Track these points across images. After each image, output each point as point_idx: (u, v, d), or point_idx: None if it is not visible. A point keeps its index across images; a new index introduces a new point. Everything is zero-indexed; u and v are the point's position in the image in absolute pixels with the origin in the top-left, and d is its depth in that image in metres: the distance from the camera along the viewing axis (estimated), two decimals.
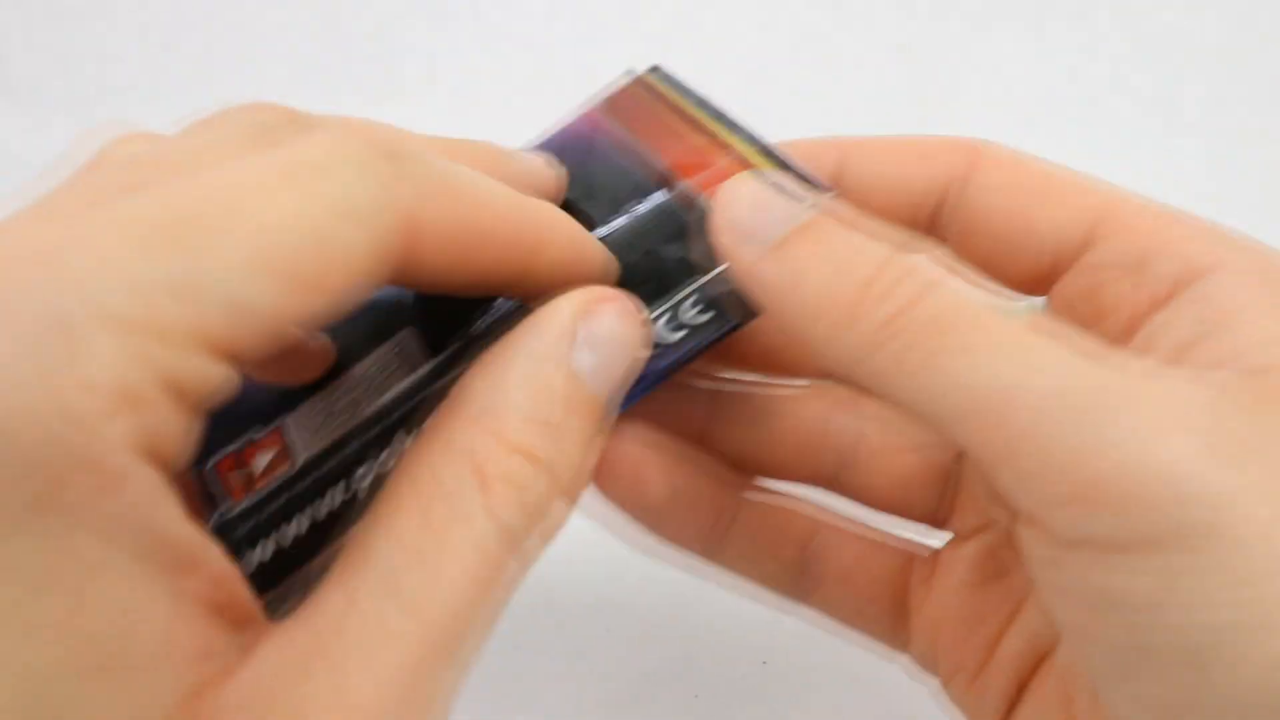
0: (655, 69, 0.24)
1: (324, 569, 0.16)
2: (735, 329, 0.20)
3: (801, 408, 0.24)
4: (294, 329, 0.15)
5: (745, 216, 0.18)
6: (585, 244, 0.19)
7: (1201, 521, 0.14)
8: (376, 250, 0.15)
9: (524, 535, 0.16)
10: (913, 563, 0.24)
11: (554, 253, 0.18)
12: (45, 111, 0.47)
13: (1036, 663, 0.21)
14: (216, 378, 0.14)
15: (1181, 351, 0.18)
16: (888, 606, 0.24)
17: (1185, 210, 0.20)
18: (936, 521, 0.24)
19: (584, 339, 0.17)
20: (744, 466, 0.24)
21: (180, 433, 0.14)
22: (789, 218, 0.18)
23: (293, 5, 0.49)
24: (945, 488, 0.24)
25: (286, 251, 0.14)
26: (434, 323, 0.23)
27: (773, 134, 0.22)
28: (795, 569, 0.24)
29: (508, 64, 0.48)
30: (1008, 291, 0.21)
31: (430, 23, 0.49)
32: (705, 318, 0.20)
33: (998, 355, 0.16)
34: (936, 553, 0.24)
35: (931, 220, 0.22)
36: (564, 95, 0.25)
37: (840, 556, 0.24)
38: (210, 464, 0.23)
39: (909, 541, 0.24)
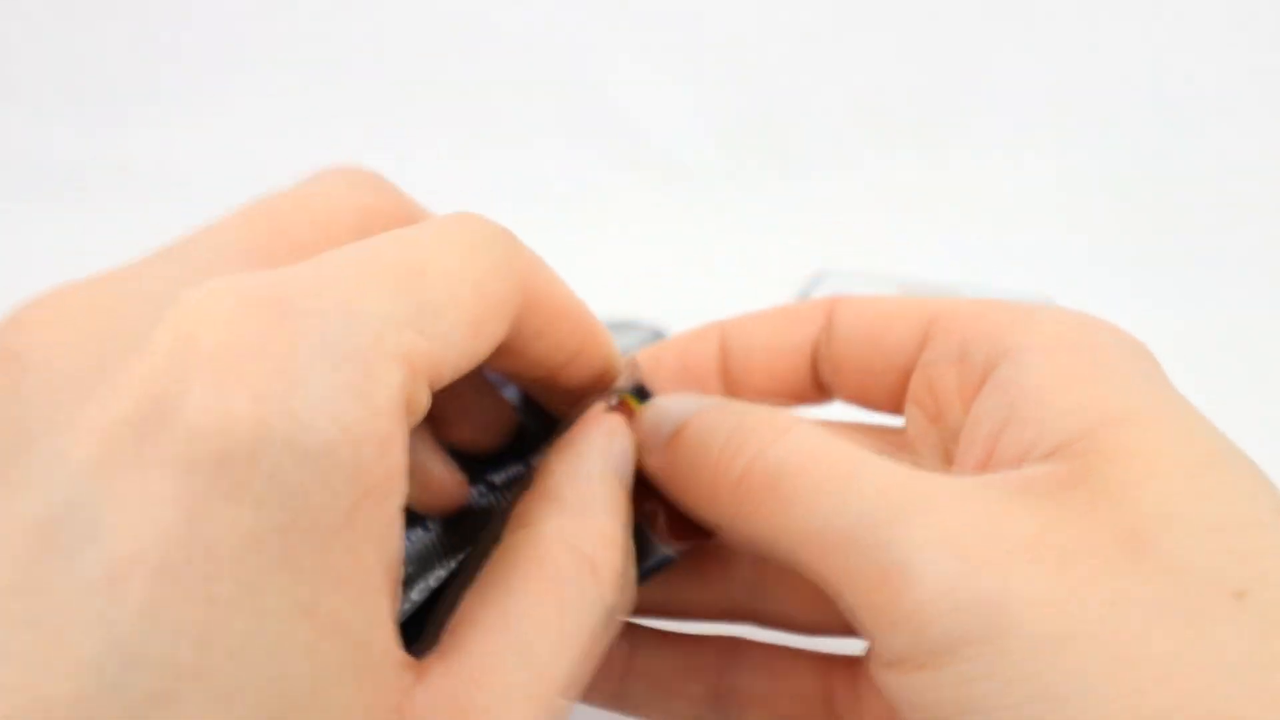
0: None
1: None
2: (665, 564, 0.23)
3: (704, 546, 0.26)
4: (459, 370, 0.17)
5: (643, 434, 0.22)
6: (608, 339, 0.22)
7: (978, 628, 0.16)
8: (514, 300, 0.18)
9: (616, 609, 0.19)
10: (834, 671, 0.25)
11: (601, 337, 0.22)
12: (46, 112, 0.47)
13: None
14: (428, 403, 0.16)
15: (990, 442, 0.20)
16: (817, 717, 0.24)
17: (1009, 300, 0.23)
18: (853, 630, 0.25)
19: (619, 450, 0.21)
20: (644, 613, 0.26)
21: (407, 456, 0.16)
22: (672, 420, 0.22)
23: (293, 4, 0.49)
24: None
25: (466, 298, 0.17)
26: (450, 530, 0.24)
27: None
28: (709, 705, 0.25)
29: None
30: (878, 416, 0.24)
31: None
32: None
33: (815, 497, 0.18)
34: (859, 657, 0.25)
35: (814, 372, 0.25)
36: None
37: (756, 683, 0.25)
38: None
39: (825, 655, 0.25)
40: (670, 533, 0.23)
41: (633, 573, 0.20)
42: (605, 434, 0.22)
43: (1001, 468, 0.19)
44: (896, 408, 0.24)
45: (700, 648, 0.25)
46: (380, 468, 0.15)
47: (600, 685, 0.25)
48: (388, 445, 0.15)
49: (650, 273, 0.40)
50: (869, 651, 0.18)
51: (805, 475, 0.19)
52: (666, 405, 0.22)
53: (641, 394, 0.23)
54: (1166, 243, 0.45)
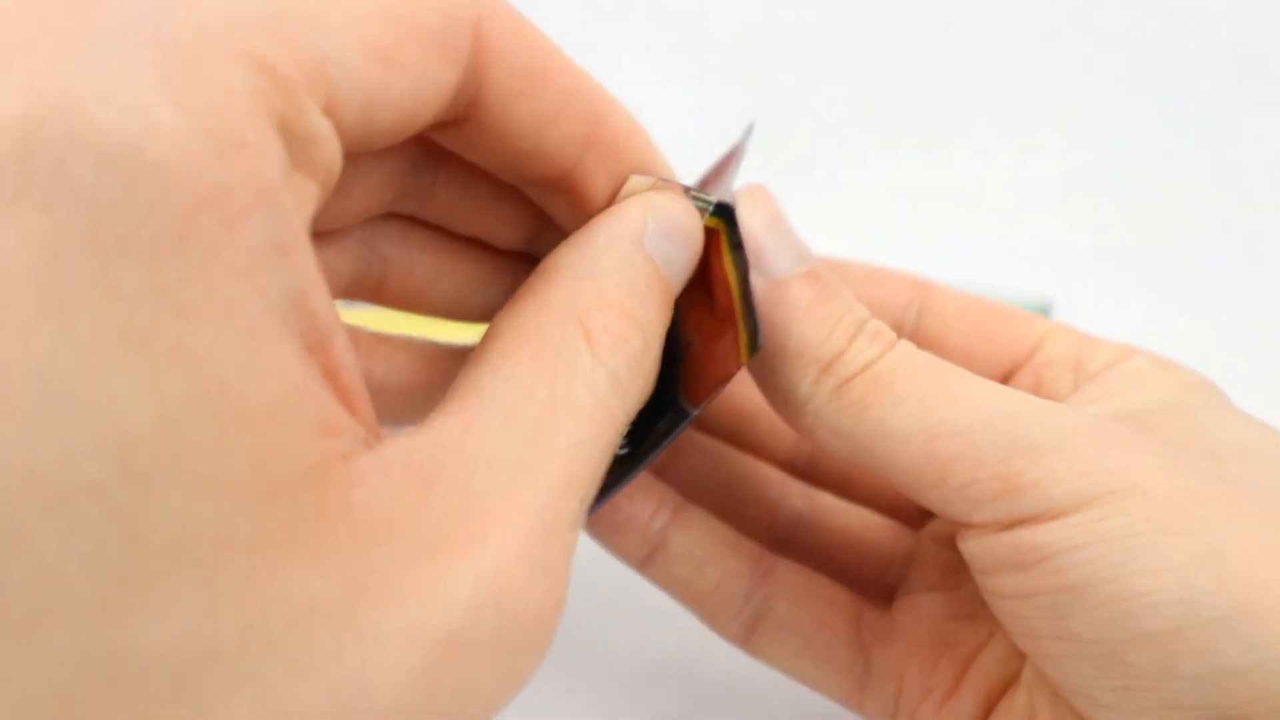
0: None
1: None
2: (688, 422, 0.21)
3: (762, 475, 0.27)
4: (374, 119, 0.14)
5: (761, 234, 0.21)
6: (643, 132, 0.20)
7: (1103, 484, 0.18)
8: (447, 36, 0.15)
9: (628, 386, 0.17)
10: (865, 602, 0.25)
11: (619, 125, 0.19)
12: None
13: (1005, 685, 0.22)
14: (325, 135, 0.14)
15: (1090, 406, 0.22)
16: (844, 635, 0.24)
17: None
18: (884, 591, 0.26)
19: (654, 228, 0.19)
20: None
21: (308, 201, 0.14)
22: (798, 257, 0.21)
23: None
24: (895, 564, 0.26)
25: (359, 16, 0.14)
26: None
27: None
28: (746, 585, 0.25)
29: None
30: None
31: None
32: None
33: (925, 402, 0.19)
34: (890, 602, 0.25)
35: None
36: None
37: (795, 579, 0.25)
38: None
39: (856, 596, 0.26)
40: (698, 383, 0.20)
41: (653, 362, 0.18)
42: (632, 204, 0.19)
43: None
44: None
45: (747, 532, 0.25)
46: (222, 178, 0.12)
47: (635, 540, 0.24)
48: (233, 152, 0.12)
49: None
50: (965, 533, 0.19)
51: (915, 384, 0.19)
52: (782, 237, 0.21)
53: (725, 214, 0.21)
54: (1171, 243, 0.45)
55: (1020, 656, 0.22)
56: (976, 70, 0.48)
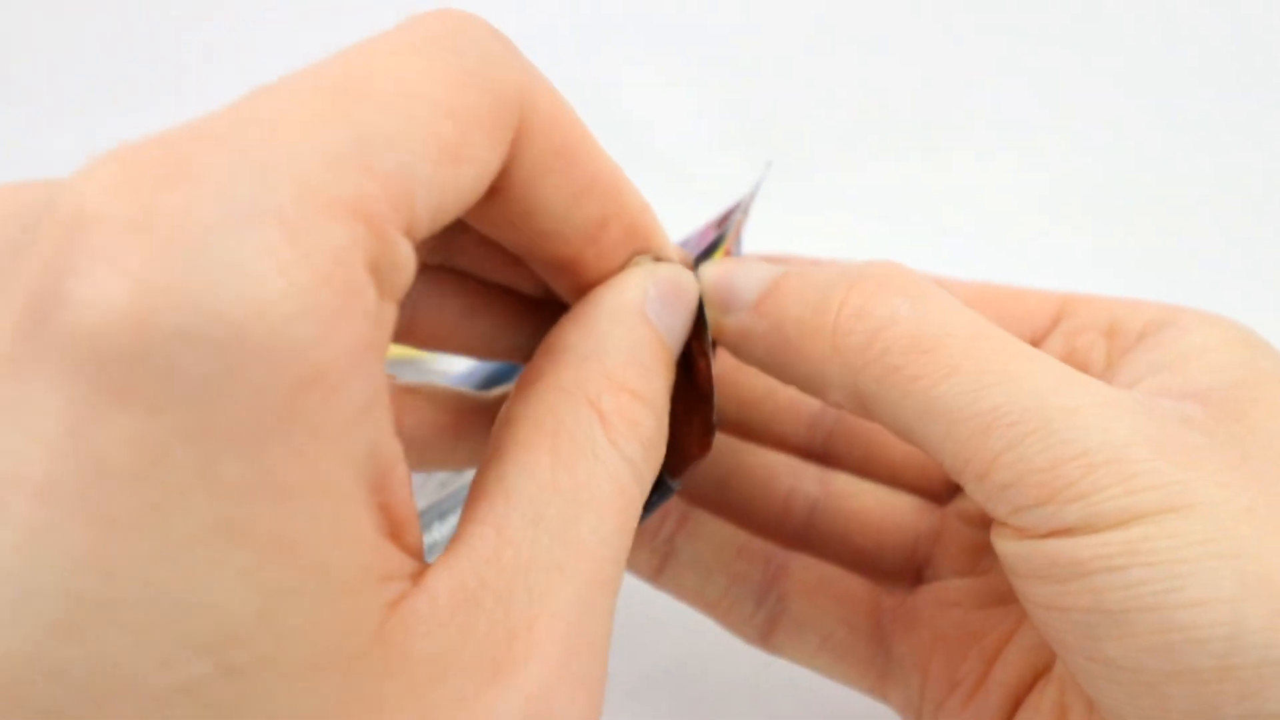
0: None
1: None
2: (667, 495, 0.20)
3: (773, 466, 0.26)
4: (442, 213, 0.14)
5: (719, 291, 0.20)
6: (653, 214, 0.20)
7: (1155, 500, 0.16)
8: (500, 118, 0.15)
9: (644, 469, 0.17)
10: (883, 592, 0.24)
11: (637, 204, 0.19)
12: (45, 111, 0.47)
13: (1035, 677, 0.21)
14: (408, 259, 0.14)
15: (1134, 384, 0.20)
16: (862, 628, 0.24)
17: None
18: (908, 575, 0.25)
19: (654, 295, 0.19)
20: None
21: (388, 325, 0.14)
22: (757, 281, 0.20)
23: (293, 4, 0.49)
24: (919, 544, 0.25)
25: (428, 114, 0.14)
26: None
27: None
28: (758, 590, 0.24)
29: None
30: None
31: None
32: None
33: (981, 379, 0.17)
34: (912, 589, 0.25)
35: None
36: None
37: (808, 575, 0.24)
38: None
39: (874, 585, 0.25)
40: (675, 456, 0.20)
41: (663, 438, 0.18)
42: (631, 273, 0.18)
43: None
44: None
45: (758, 527, 0.25)
46: (327, 350, 0.12)
47: (643, 552, 0.24)
48: (336, 321, 0.12)
49: None
50: (1002, 531, 0.18)
51: (966, 356, 0.18)
52: (745, 264, 0.20)
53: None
54: (1171, 246, 0.45)
55: (1051, 648, 0.21)
56: (977, 74, 0.48)
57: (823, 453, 0.26)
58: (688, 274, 0.20)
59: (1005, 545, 0.18)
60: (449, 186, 0.14)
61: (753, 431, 0.26)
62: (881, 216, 0.46)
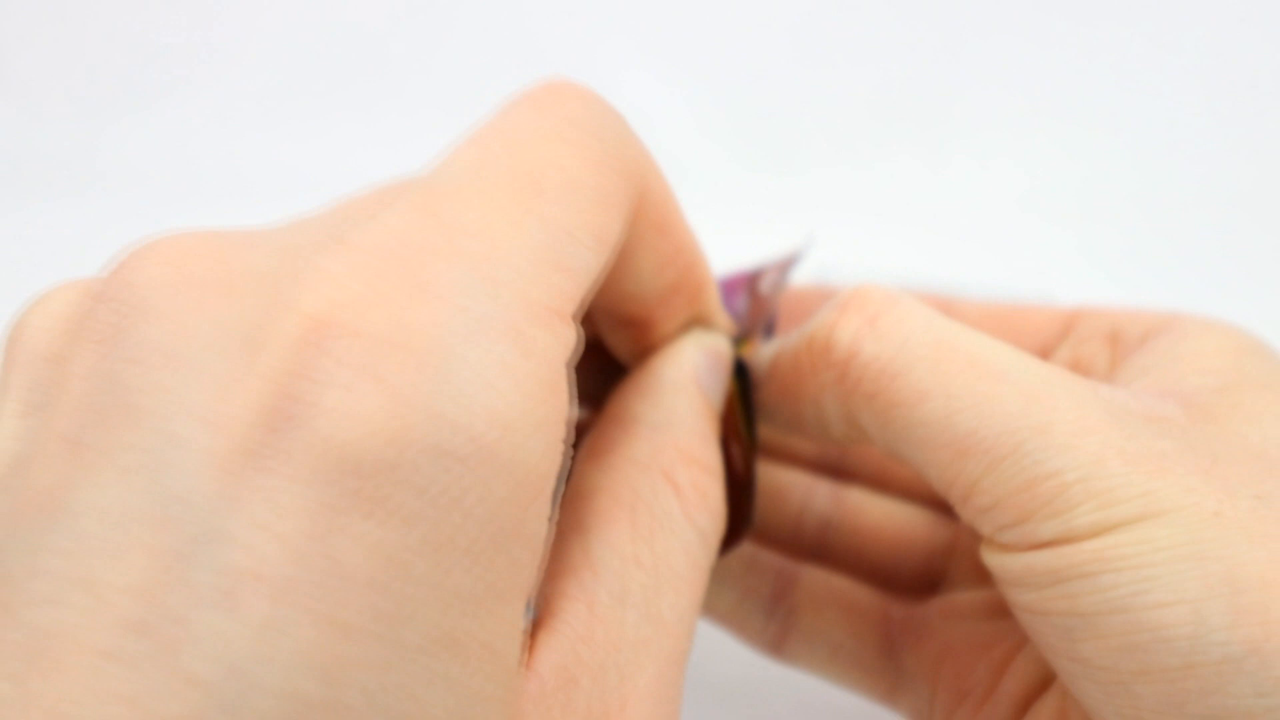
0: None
1: None
2: None
3: (786, 482, 0.26)
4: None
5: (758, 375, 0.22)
6: (713, 279, 0.21)
7: (1125, 512, 0.17)
8: (629, 195, 0.15)
9: (711, 540, 0.18)
10: (893, 605, 0.25)
11: (705, 267, 0.20)
12: (45, 111, 0.47)
13: (1040, 688, 0.22)
14: (579, 342, 0.14)
15: (1128, 385, 0.20)
16: (872, 639, 0.24)
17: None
18: (921, 586, 0.25)
19: (704, 366, 0.19)
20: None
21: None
22: (764, 355, 0.21)
23: (295, 4, 0.49)
24: (930, 556, 0.25)
25: (590, 205, 0.14)
26: None
27: None
28: (767, 603, 0.25)
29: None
30: None
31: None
32: None
33: (950, 404, 0.18)
34: (923, 601, 0.25)
35: None
36: None
37: (817, 589, 0.25)
38: None
39: (884, 597, 0.25)
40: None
41: (720, 493, 0.18)
42: (685, 344, 0.19)
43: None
44: None
45: (770, 540, 0.25)
46: (552, 460, 0.13)
47: None
48: (557, 431, 0.13)
49: None
50: (989, 546, 0.19)
51: (932, 370, 0.18)
52: (761, 348, 0.21)
53: (741, 373, 0.21)
54: (1168, 245, 0.45)
55: None
56: (977, 73, 0.48)
57: (837, 468, 0.27)
58: (726, 341, 0.21)
59: (991, 558, 0.19)
60: (598, 270, 0.15)
61: (766, 448, 0.27)
62: (879, 213, 0.46)
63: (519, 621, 0.13)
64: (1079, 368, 0.22)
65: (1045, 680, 0.22)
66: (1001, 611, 0.23)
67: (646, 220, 0.17)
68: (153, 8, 0.50)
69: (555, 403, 0.13)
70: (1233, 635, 0.16)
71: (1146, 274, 0.43)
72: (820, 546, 0.26)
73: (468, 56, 0.48)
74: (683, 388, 0.19)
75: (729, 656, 0.27)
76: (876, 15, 0.49)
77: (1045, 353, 0.23)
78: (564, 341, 0.13)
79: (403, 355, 0.12)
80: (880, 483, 0.26)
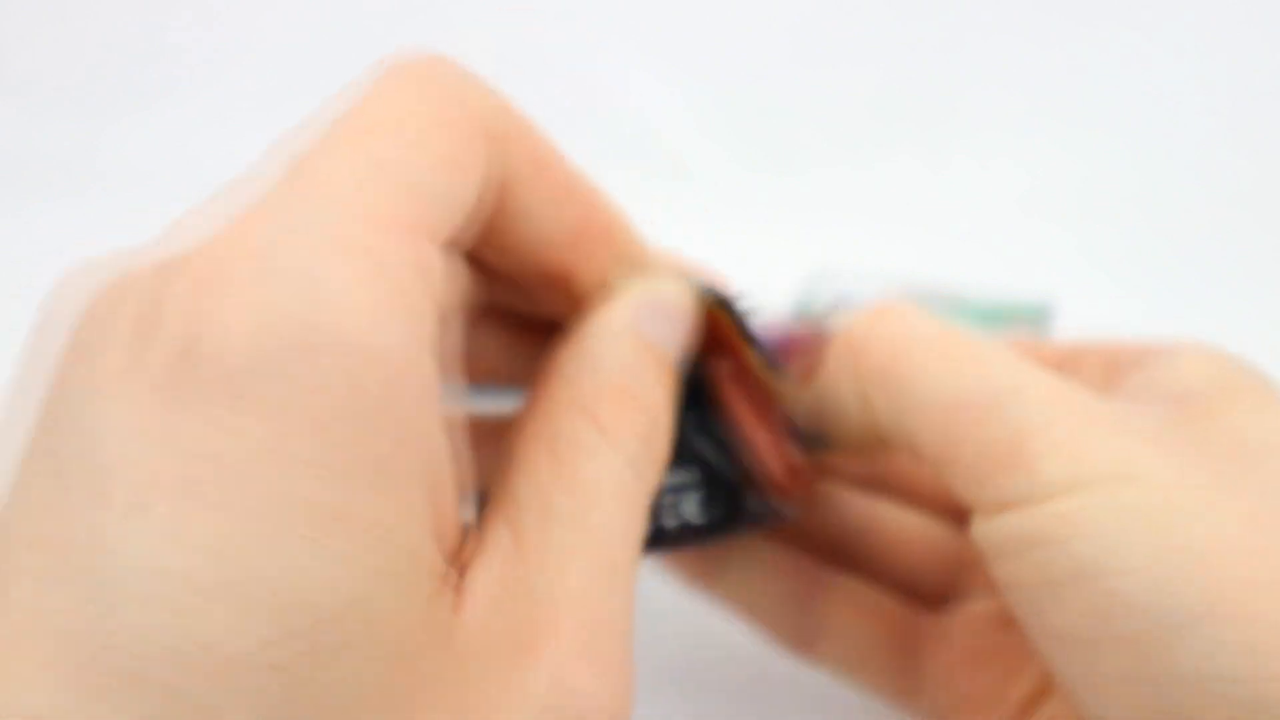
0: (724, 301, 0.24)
1: None
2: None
3: (823, 489, 0.27)
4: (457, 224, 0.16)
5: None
6: (626, 218, 0.21)
7: (1104, 471, 0.17)
8: (483, 131, 0.17)
9: (644, 465, 0.18)
10: (914, 616, 0.25)
11: (608, 209, 0.20)
12: (45, 111, 0.47)
13: (1043, 693, 0.22)
14: (437, 261, 0.16)
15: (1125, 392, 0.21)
16: (896, 645, 0.25)
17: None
18: (942, 597, 0.26)
19: (644, 311, 0.20)
20: None
21: (434, 326, 0.15)
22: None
23: (295, 4, 0.49)
24: (952, 568, 0.26)
25: (428, 137, 0.16)
26: None
27: None
28: (796, 604, 0.25)
29: None
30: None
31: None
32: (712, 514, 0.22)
33: (945, 377, 0.19)
34: (945, 609, 0.25)
35: None
36: None
37: (848, 595, 0.25)
38: None
39: (908, 604, 0.26)
40: (776, 479, 0.22)
41: (663, 436, 0.19)
42: (621, 298, 0.20)
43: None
44: None
45: (799, 545, 0.26)
46: (411, 351, 0.14)
47: (694, 559, 0.26)
48: (409, 324, 0.14)
49: None
50: (974, 517, 0.19)
51: (928, 347, 0.20)
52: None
53: (725, 304, 0.22)
54: (1168, 245, 0.45)
55: None
56: (977, 73, 0.48)
57: (867, 479, 0.28)
58: (674, 284, 0.21)
59: (975, 530, 0.19)
60: (456, 193, 0.16)
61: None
62: (880, 212, 0.46)
63: (417, 507, 0.14)
64: None
65: (1049, 687, 0.22)
66: (1012, 621, 0.24)
67: (520, 158, 0.18)
68: (153, 8, 0.50)
69: (405, 302, 0.14)
70: (1187, 600, 0.16)
71: (1147, 274, 0.43)
72: (847, 552, 0.26)
73: (468, 57, 0.48)
74: (608, 334, 0.19)
75: (729, 657, 0.27)
76: (876, 15, 0.49)
77: None
78: (416, 251, 0.15)
79: (256, 271, 0.14)
80: (909, 495, 0.27)
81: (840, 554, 0.26)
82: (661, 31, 0.50)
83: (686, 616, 0.26)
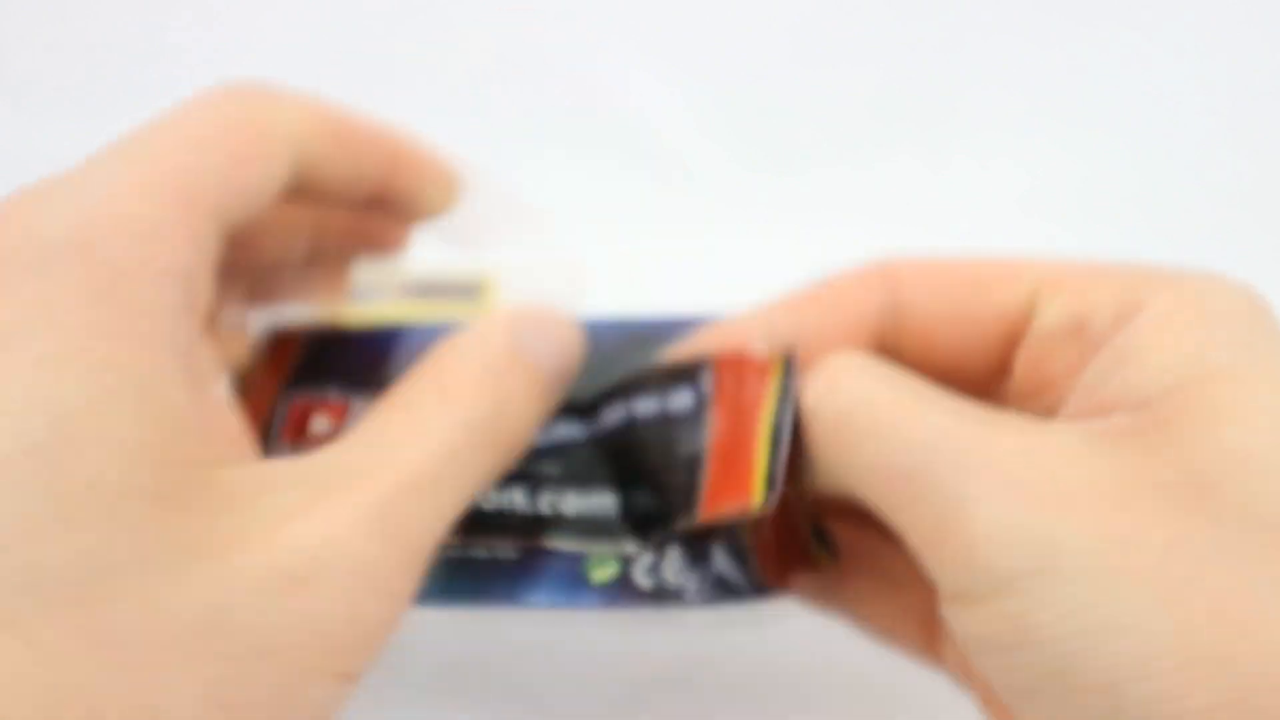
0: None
1: None
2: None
3: None
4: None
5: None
6: (423, 151, 0.26)
7: (1032, 562, 0.16)
8: (277, 134, 0.22)
9: (480, 438, 0.20)
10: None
11: (408, 144, 0.25)
12: (44, 111, 0.47)
13: None
14: (212, 229, 0.20)
15: (1085, 399, 0.19)
16: (915, 624, 0.25)
17: (1118, 261, 0.21)
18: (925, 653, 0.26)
19: (521, 327, 0.22)
20: None
21: (205, 272, 0.20)
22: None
23: (295, 4, 0.49)
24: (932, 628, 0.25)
25: (217, 140, 0.21)
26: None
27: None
28: (920, 611, 0.25)
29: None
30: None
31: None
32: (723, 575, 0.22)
33: (873, 437, 0.19)
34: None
35: (879, 349, 0.23)
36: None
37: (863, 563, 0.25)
38: (294, 397, 0.25)
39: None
40: (768, 567, 0.22)
41: (510, 426, 0.21)
42: (495, 320, 0.22)
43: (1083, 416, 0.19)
44: (994, 375, 0.23)
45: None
46: (143, 251, 0.18)
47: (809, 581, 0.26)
48: (153, 241, 0.18)
49: (658, 269, 0.40)
50: (936, 588, 0.18)
51: (865, 416, 0.19)
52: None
53: (789, 366, 0.22)
54: (1169, 245, 0.45)
55: None
56: (977, 73, 0.48)
57: None
58: (559, 311, 0.23)
59: (943, 610, 0.18)
60: (250, 182, 0.21)
61: None
62: (881, 213, 0.46)
63: (157, 361, 0.18)
64: (1042, 368, 0.21)
65: None
66: None
67: (320, 140, 0.23)
68: (153, 8, 0.50)
69: (159, 229, 0.19)
70: (1150, 711, 0.15)
71: None
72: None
73: (468, 57, 0.48)
74: (481, 335, 0.22)
75: (728, 657, 0.27)
76: (877, 15, 0.49)
77: (1010, 346, 0.22)
78: (176, 210, 0.19)
79: (57, 191, 0.19)
80: None
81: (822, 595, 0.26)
82: (661, 31, 0.50)
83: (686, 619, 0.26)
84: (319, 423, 0.24)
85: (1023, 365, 0.22)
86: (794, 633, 0.29)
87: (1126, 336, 0.19)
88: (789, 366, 0.22)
